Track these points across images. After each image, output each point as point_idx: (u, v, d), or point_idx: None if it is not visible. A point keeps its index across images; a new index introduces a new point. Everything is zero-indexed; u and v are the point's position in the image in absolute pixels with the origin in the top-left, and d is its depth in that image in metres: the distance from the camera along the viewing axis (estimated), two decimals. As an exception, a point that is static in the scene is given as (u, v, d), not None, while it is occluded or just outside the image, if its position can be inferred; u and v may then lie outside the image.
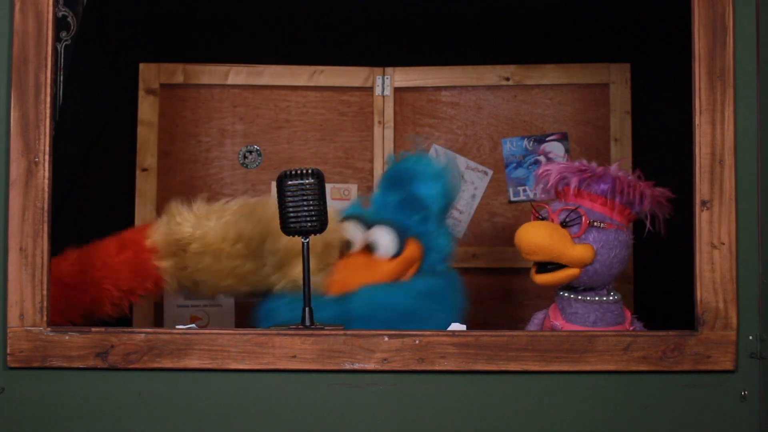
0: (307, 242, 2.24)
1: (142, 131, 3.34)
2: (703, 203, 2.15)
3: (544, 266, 2.48)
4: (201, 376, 2.15)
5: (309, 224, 2.23)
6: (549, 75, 3.36)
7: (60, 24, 3.33)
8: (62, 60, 3.34)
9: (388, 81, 3.37)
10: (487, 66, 3.37)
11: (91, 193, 3.23)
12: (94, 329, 2.16)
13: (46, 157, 2.15)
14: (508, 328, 3.17)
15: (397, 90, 3.38)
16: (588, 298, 2.48)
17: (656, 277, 3.17)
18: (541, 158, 3.35)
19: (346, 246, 2.65)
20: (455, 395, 2.15)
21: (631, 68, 3.33)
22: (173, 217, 2.61)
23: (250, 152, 3.39)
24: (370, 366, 2.13)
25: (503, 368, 2.14)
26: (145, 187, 3.33)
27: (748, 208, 2.15)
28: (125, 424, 2.14)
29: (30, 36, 2.15)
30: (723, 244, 2.14)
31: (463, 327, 2.29)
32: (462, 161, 3.36)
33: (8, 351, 2.13)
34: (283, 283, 2.57)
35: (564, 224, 2.47)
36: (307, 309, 2.22)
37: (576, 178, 2.49)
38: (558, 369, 2.13)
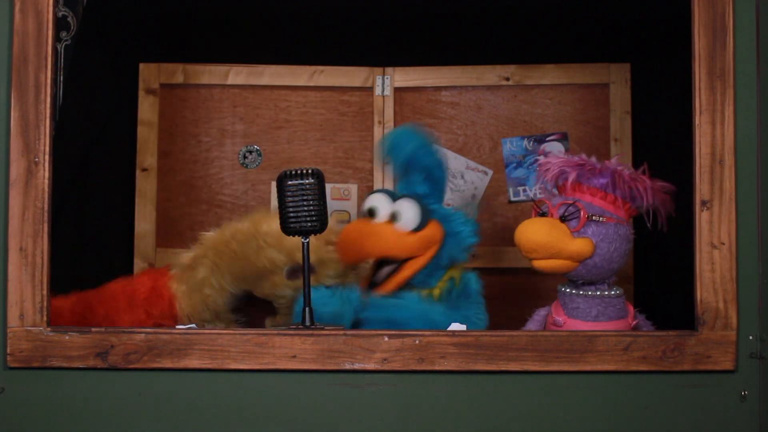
0: (307, 242, 2.24)
1: (142, 131, 3.34)
2: (703, 203, 2.15)
3: None
4: (201, 376, 2.15)
5: (309, 224, 2.23)
6: (549, 75, 3.36)
7: (60, 24, 3.33)
8: (62, 60, 3.34)
9: (388, 81, 3.37)
10: (487, 66, 3.37)
11: (91, 193, 3.23)
12: (94, 329, 2.16)
13: (46, 157, 2.15)
14: (508, 328, 3.16)
15: (397, 90, 3.38)
16: (589, 293, 2.48)
17: (656, 277, 3.17)
18: (541, 158, 3.35)
19: (369, 214, 2.66)
20: (455, 395, 2.15)
21: (631, 68, 3.33)
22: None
23: (250, 152, 3.39)
24: (370, 366, 2.13)
25: (503, 368, 2.14)
26: (145, 187, 3.33)
27: (748, 208, 2.15)
28: (125, 424, 2.14)
29: (30, 36, 2.15)
30: (723, 244, 2.14)
31: (463, 327, 2.29)
32: (462, 161, 3.36)
33: (8, 351, 2.13)
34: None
35: (563, 219, 2.47)
36: (307, 309, 2.22)
37: (574, 172, 2.49)
38: (558, 369, 2.13)
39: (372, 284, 2.65)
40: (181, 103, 3.38)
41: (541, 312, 2.60)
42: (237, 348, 2.14)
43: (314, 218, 2.23)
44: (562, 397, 2.15)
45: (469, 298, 2.65)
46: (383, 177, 3.35)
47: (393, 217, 2.62)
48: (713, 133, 2.15)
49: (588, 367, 2.14)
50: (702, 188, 2.15)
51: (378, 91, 3.37)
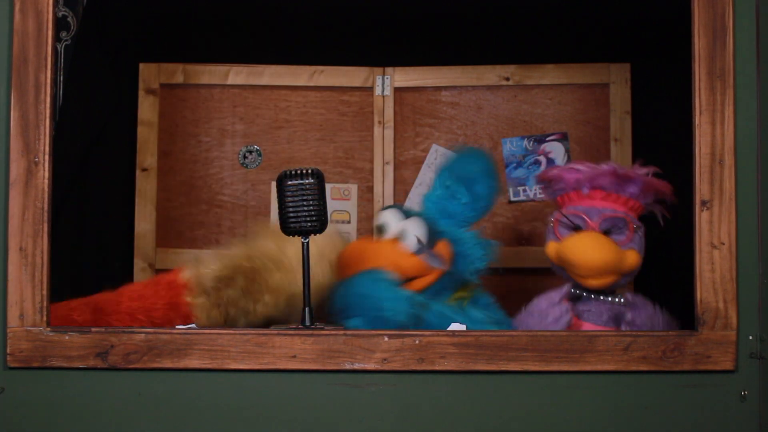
0: (307, 242, 2.24)
1: (142, 131, 3.34)
2: (703, 203, 2.15)
3: None
4: (201, 376, 2.15)
5: (309, 224, 2.23)
6: (549, 75, 3.36)
7: (60, 24, 3.33)
8: (62, 60, 3.34)
9: (388, 81, 3.37)
10: (487, 66, 3.37)
11: (91, 193, 3.23)
12: (94, 329, 2.16)
13: (46, 157, 2.15)
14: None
15: (397, 90, 3.38)
16: (601, 297, 2.48)
17: (656, 277, 3.17)
18: (541, 158, 3.35)
19: (379, 230, 2.65)
20: (455, 395, 2.15)
21: (631, 68, 3.33)
22: (200, 264, 2.65)
23: (250, 152, 3.39)
24: (370, 366, 2.13)
25: (503, 368, 2.14)
26: (145, 187, 3.33)
27: (748, 208, 2.15)
28: (125, 424, 2.14)
29: (30, 36, 2.15)
30: (723, 244, 2.14)
31: (463, 327, 2.29)
32: (462, 161, 3.36)
33: (8, 351, 2.13)
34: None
35: (607, 232, 2.45)
36: (307, 309, 2.22)
37: (609, 181, 2.47)
38: (558, 369, 2.13)
39: None
40: (181, 103, 3.38)
41: (542, 304, 2.56)
42: (237, 348, 2.14)
43: (314, 218, 2.23)
44: (562, 397, 2.15)
45: (479, 306, 2.63)
46: (383, 177, 3.35)
47: (400, 235, 2.61)
48: (713, 133, 2.15)
49: (588, 367, 2.14)
50: (702, 188, 2.15)
51: (378, 91, 3.37)
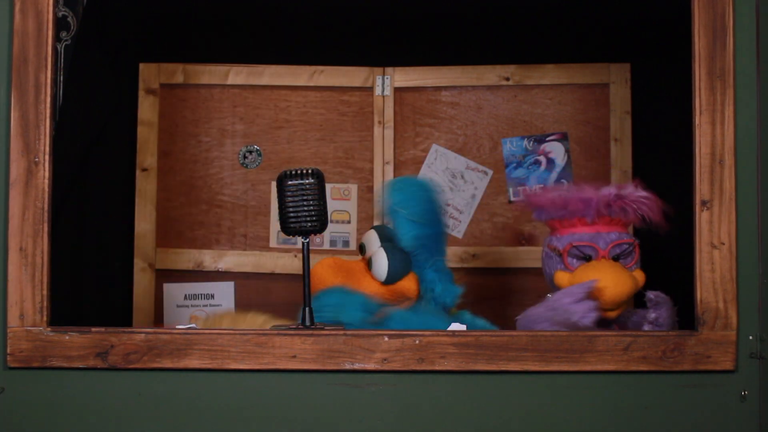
0: (307, 242, 2.24)
1: (142, 131, 3.34)
2: (703, 203, 2.15)
3: None
4: (201, 376, 2.15)
5: (309, 224, 2.23)
6: (549, 75, 3.36)
7: (60, 24, 3.33)
8: (62, 60, 3.34)
9: (388, 81, 3.37)
10: (487, 66, 3.37)
11: (91, 193, 3.23)
12: (94, 329, 2.16)
13: (46, 157, 2.15)
14: (508, 328, 3.17)
15: (397, 90, 3.38)
16: None
17: (656, 277, 3.17)
18: (541, 158, 3.35)
19: (360, 250, 2.66)
20: (455, 395, 2.15)
21: (631, 68, 3.33)
22: None
23: (250, 152, 3.39)
24: (370, 366, 2.13)
25: (503, 368, 2.14)
26: (145, 187, 3.33)
27: (748, 208, 2.15)
28: (125, 424, 2.14)
29: (30, 36, 2.15)
30: (723, 244, 2.14)
31: (463, 327, 2.29)
32: (462, 161, 3.36)
33: (8, 351, 2.13)
34: None
35: (616, 258, 2.46)
36: (307, 309, 2.22)
37: (612, 208, 2.46)
38: (558, 369, 2.13)
39: None
40: (181, 103, 3.38)
41: (565, 300, 2.52)
42: (237, 348, 2.14)
43: (314, 218, 2.23)
44: (562, 397, 2.15)
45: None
46: (383, 177, 3.35)
47: (370, 262, 2.59)
48: (713, 133, 2.15)
49: (588, 367, 2.13)
50: (702, 188, 2.15)
51: (378, 91, 3.37)
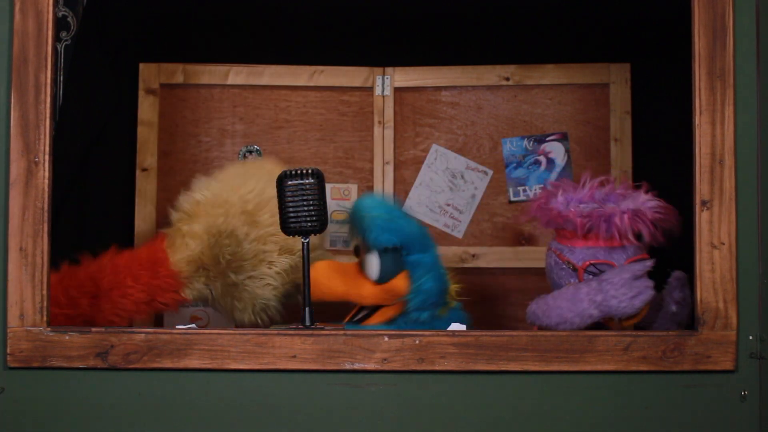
0: (307, 242, 2.24)
1: (142, 131, 3.33)
2: (703, 203, 2.15)
3: None
4: (201, 376, 2.15)
5: (309, 224, 2.23)
6: (549, 75, 3.36)
7: (60, 24, 3.33)
8: (62, 60, 3.34)
9: (388, 81, 3.37)
10: (487, 66, 3.37)
11: (91, 193, 3.23)
12: (94, 329, 2.16)
13: (46, 157, 2.15)
14: (508, 328, 3.17)
15: (397, 90, 3.38)
16: None
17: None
18: (541, 158, 3.35)
19: (355, 251, 2.65)
20: (455, 395, 2.15)
21: (631, 68, 3.33)
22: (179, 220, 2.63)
23: (250, 152, 3.39)
24: (370, 366, 2.13)
25: (503, 368, 2.14)
26: (145, 187, 3.32)
27: (748, 208, 2.15)
28: (125, 424, 2.14)
29: (30, 36, 2.15)
30: (723, 244, 2.14)
31: (463, 327, 2.29)
32: (462, 161, 3.36)
33: (8, 351, 2.13)
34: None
35: None
36: (307, 309, 2.22)
37: (647, 230, 2.43)
38: (558, 369, 2.13)
39: (352, 321, 2.62)
40: (181, 103, 3.38)
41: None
42: (237, 348, 2.14)
43: (314, 218, 2.23)
44: (562, 397, 2.15)
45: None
46: (383, 177, 3.35)
47: (363, 265, 2.58)
48: (713, 133, 2.15)
49: (588, 367, 2.14)
50: (702, 188, 2.15)
51: (378, 91, 3.37)
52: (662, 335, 2.15)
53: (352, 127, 3.40)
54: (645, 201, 2.44)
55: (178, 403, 2.15)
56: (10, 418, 2.13)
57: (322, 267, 2.58)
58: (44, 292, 2.14)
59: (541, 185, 3.32)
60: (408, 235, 2.55)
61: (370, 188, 3.36)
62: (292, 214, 2.23)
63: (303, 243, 2.24)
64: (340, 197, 3.38)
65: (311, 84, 3.38)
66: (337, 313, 2.67)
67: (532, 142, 3.36)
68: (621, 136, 3.32)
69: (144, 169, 3.33)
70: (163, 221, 3.32)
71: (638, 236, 2.41)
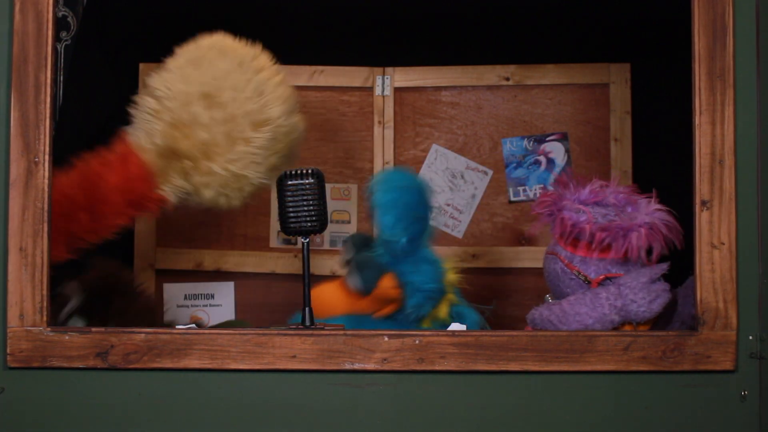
0: (307, 242, 2.24)
1: (142, 131, 3.33)
2: (703, 203, 2.15)
3: None
4: (201, 376, 2.15)
5: (309, 224, 2.23)
6: (549, 75, 3.36)
7: (60, 24, 3.33)
8: (62, 60, 3.34)
9: (388, 81, 3.37)
10: (487, 66, 3.37)
11: (91, 193, 3.23)
12: (93, 329, 2.16)
13: (46, 157, 2.15)
14: (508, 328, 3.17)
15: (397, 90, 3.38)
16: None
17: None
18: (541, 158, 3.35)
19: (342, 264, 2.64)
20: (455, 395, 2.15)
21: (631, 68, 3.33)
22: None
23: (250, 152, 3.39)
24: (370, 366, 2.13)
25: (503, 368, 2.14)
26: (145, 187, 3.32)
27: (748, 208, 2.15)
28: (125, 424, 2.14)
29: (30, 36, 2.15)
30: (723, 244, 2.14)
31: (463, 327, 2.29)
32: (462, 161, 3.36)
33: (8, 351, 2.13)
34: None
35: None
36: (307, 309, 2.22)
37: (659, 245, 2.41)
38: (558, 369, 2.13)
39: None
40: (181, 103, 3.38)
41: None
42: (237, 348, 2.14)
43: (314, 218, 2.23)
44: (562, 397, 2.15)
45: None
46: (383, 177, 3.35)
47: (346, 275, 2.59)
48: (713, 133, 2.15)
49: (588, 367, 2.13)
50: (702, 188, 2.15)
51: (378, 91, 3.37)
52: (662, 335, 2.15)
53: (352, 127, 3.40)
54: (653, 211, 2.43)
55: (178, 403, 2.15)
56: (10, 418, 2.13)
57: (327, 290, 2.58)
58: (44, 292, 2.14)
59: (541, 185, 3.32)
60: (411, 230, 2.55)
61: (370, 188, 3.35)
62: (292, 214, 2.23)
63: (303, 243, 2.24)
64: (340, 197, 3.38)
65: (311, 84, 3.38)
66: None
67: (532, 142, 3.36)
68: (621, 136, 3.32)
69: (144, 169, 3.33)
70: (163, 221, 3.33)
71: (648, 251, 2.40)
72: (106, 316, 2.61)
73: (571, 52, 3.35)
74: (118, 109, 3.27)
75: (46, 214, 2.14)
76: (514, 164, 3.36)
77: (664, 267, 2.38)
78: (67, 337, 2.13)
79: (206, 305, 3.32)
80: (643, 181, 2.93)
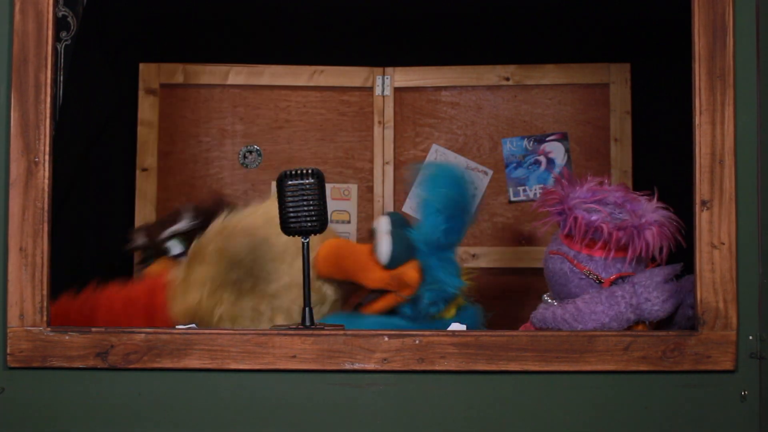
0: (307, 242, 2.24)
1: (142, 131, 3.34)
2: (703, 203, 2.15)
3: None
4: (201, 376, 2.15)
5: (309, 224, 2.23)
6: (549, 75, 3.36)
7: (60, 24, 3.33)
8: (62, 60, 3.34)
9: (388, 81, 3.37)
10: (487, 66, 3.37)
11: (91, 193, 3.23)
12: (94, 329, 2.16)
13: (46, 157, 2.15)
14: (508, 328, 3.16)
15: (397, 90, 3.38)
16: None
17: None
18: (541, 158, 3.36)
19: (371, 235, 2.63)
20: (455, 395, 2.15)
21: (631, 68, 3.34)
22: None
23: (250, 152, 3.39)
24: (370, 366, 2.13)
25: (503, 368, 2.14)
26: (145, 187, 3.33)
27: (748, 208, 2.15)
28: (125, 424, 2.14)
29: (30, 36, 2.15)
30: (723, 244, 2.14)
31: (463, 327, 2.29)
32: (462, 161, 3.36)
33: (8, 351, 2.13)
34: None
35: None
36: (307, 309, 2.22)
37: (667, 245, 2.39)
38: (558, 369, 2.13)
39: (358, 305, 2.62)
40: (181, 103, 3.39)
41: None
42: (237, 348, 2.14)
43: (314, 218, 2.23)
44: (562, 397, 2.15)
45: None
46: (383, 177, 3.35)
47: (375, 246, 2.56)
48: (713, 133, 2.15)
49: (588, 367, 2.13)
50: (702, 188, 2.15)
51: (378, 91, 3.37)
52: (662, 335, 2.15)
53: (352, 127, 3.40)
54: (657, 209, 2.43)
55: (178, 403, 2.15)
56: (10, 418, 2.13)
57: (332, 245, 2.58)
58: (44, 292, 2.14)
59: (542, 185, 3.33)
60: (450, 230, 2.55)
61: (370, 188, 3.36)
62: (292, 214, 2.23)
63: (303, 243, 2.24)
64: (340, 197, 3.38)
65: (311, 84, 3.39)
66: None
67: (532, 142, 3.36)
68: (621, 136, 3.32)
69: (144, 169, 3.33)
70: (163, 221, 3.33)
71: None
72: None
73: (571, 52, 3.35)
74: (118, 109, 3.29)
75: (46, 214, 2.14)
76: (514, 164, 3.36)
77: (677, 267, 2.37)
78: (67, 337, 2.13)
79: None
80: (643, 181, 2.94)
